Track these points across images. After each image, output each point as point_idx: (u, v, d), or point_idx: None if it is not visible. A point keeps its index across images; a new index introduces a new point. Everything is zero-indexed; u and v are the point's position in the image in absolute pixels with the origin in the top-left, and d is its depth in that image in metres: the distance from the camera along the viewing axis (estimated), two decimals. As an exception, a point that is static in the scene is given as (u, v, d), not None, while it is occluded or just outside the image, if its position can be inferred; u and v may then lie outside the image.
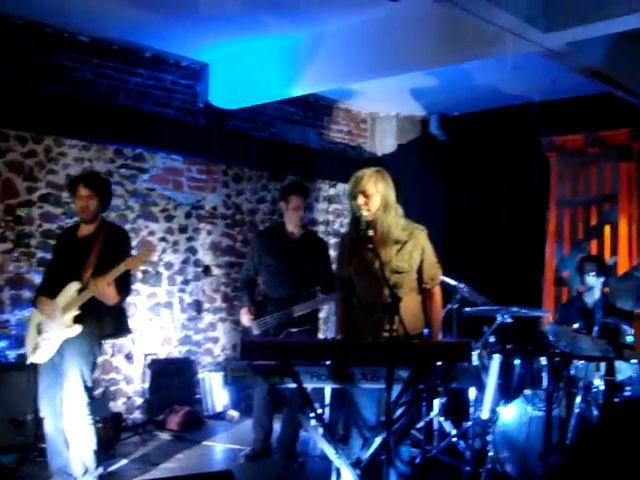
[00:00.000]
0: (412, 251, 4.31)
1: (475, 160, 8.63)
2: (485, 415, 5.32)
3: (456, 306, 5.80)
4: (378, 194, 4.21)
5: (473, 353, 5.32)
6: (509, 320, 5.41)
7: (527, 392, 5.04)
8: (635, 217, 7.34)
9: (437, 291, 4.45)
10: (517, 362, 5.30)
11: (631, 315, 5.57)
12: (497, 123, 8.50)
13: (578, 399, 4.97)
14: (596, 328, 5.20)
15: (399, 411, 3.82)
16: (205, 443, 6.56)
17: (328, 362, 3.70)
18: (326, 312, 8.15)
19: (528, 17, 5.19)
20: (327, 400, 6.13)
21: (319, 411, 5.05)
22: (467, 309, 5.81)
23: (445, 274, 4.94)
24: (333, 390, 6.08)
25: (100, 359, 6.11)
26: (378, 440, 3.86)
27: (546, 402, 4.34)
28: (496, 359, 5.36)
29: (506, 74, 7.39)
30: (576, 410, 4.96)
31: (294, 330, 5.56)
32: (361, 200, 4.18)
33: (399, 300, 3.63)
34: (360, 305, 4.39)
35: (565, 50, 5.78)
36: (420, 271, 4.36)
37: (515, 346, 5.25)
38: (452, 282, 5.68)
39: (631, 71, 6.59)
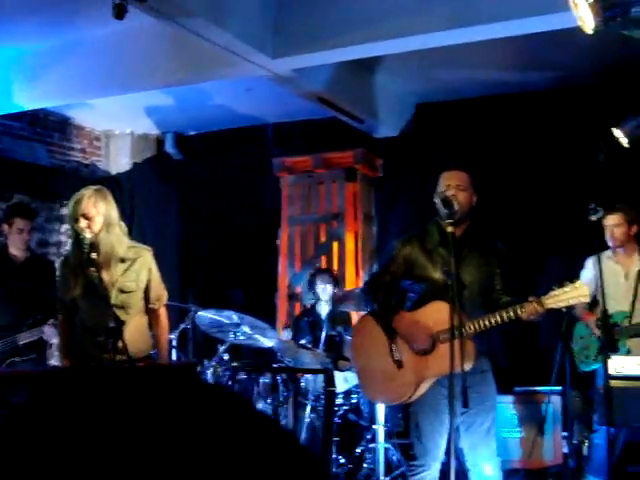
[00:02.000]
0: (139, 271, 4.26)
1: (210, 180, 8.71)
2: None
3: (190, 326, 5.80)
4: (99, 215, 4.11)
5: (207, 371, 5.36)
6: (241, 338, 5.52)
7: (258, 406, 5.16)
8: (360, 234, 7.81)
9: (163, 312, 4.43)
10: (261, 379, 5.41)
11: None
12: (232, 143, 8.66)
13: (308, 410, 5.18)
14: (322, 341, 5.46)
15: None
16: None
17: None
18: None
19: (257, 43, 5.38)
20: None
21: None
22: (202, 325, 5.81)
23: (180, 293, 4.94)
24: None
25: None
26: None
27: (273, 415, 4.48)
28: (233, 377, 5.44)
29: (240, 96, 7.60)
30: (306, 420, 5.17)
31: (18, 360, 5.27)
32: (83, 223, 4.05)
33: (122, 323, 3.58)
34: (84, 328, 4.25)
35: (292, 76, 6.05)
36: (147, 291, 4.32)
37: (241, 363, 5.37)
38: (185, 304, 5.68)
39: (353, 97, 7.04)
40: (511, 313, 3.59)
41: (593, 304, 5.26)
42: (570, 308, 3.53)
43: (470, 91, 7.54)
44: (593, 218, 4.01)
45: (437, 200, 3.83)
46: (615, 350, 5.10)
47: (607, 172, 6.45)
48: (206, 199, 8.77)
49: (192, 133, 9.07)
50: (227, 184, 8.62)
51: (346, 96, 6.94)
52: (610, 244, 5.34)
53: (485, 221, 4.52)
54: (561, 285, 3.50)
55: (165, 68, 6.03)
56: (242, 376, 5.35)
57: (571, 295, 3.48)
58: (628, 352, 5.06)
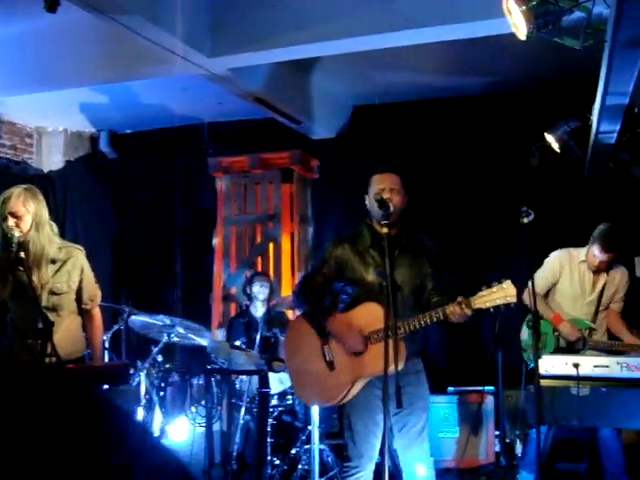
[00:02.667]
0: (71, 271, 4.17)
1: (145, 179, 8.60)
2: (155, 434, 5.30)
3: (123, 327, 5.71)
4: (29, 214, 4.01)
5: (140, 373, 5.28)
6: (175, 339, 5.46)
7: (193, 409, 5.11)
8: (296, 235, 7.81)
9: (97, 312, 4.35)
10: (195, 380, 5.36)
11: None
12: (168, 142, 8.56)
13: (242, 411, 5.15)
14: (257, 342, 5.44)
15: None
16: None
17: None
18: None
19: (193, 41, 5.33)
20: None
21: None
22: (135, 327, 5.73)
23: (114, 294, 4.86)
24: None
25: None
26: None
27: (206, 417, 4.44)
28: (167, 378, 5.37)
29: (176, 94, 7.51)
30: (241, 422, 5.14)
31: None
32: (11, 222, 3.95)
33: (51, 324, 3.50)
34: (15, 330, 4.15)
35: (228, 75, 6.01)
36: (79, 292, 4.24)
37: (174, 365, 5.31)
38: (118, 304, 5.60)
39: (290, 98, 7.03)
40: (440, 314, 3.63)
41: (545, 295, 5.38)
42: (497, 308, 3.56)
43: (407, 94, 7.61)
44: (525, 221, 4.07)
45: (371, 202, 3.86)
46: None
47: (539, 176, 6.61)
48: (141, 199, 8.66)
49: (127, 131, 8.94)
50: (162, 184, 8.53)
51: (283, 97, 6.93)
52: (590, 267, 5.38)
53: (419, 222, 4.57)
54: (489, 286, 3.55)
55: (99, 64, 5.93)
56: (175, 378, 5.30)
57: (498, 295, 3.53)
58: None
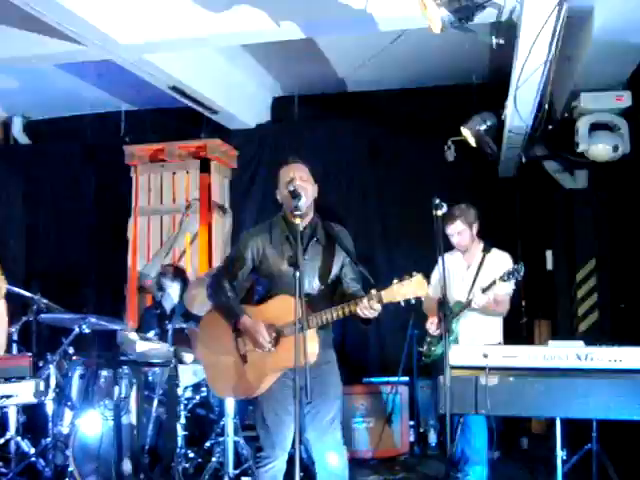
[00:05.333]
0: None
1: (59, 166, 8.37)
2: (66, 429, 5.17)
3: (33, 318, 5.55)
4: None
5: (50, 365, 5.14)
6: (87, 330, 5.32)
7: (105, 402, 5.00)
8: (213, 225, 7.73)
9: (2, 304, 4.22)
10: (105, 373, 5.24)
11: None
12: (83, 129, 8.37)
13: (155, 403, 5.08)
14: (169, 334, 5.36)
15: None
16: None
17: None
18: None
19: (107, 26, 5.18)
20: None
21: None
22: (45, 319, 5.57)
23: (25, 284, 4.71)
24: None
25: None
26: None
27: (114, 410, 4.35)
28: (78, 371, 5.25)
29: (91, 81, 7.35)
30: (154, 415, 5.07)
31: None
32: None
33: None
34: None
35: (144, 63, 5.90)
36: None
37: (84, 356, 5.19)
38: (28, 294, 5.42)
39: (208, 87, 6.94)
40: (351, 308, 3.65)
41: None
42: (407, 302, 3.59)
43: (326, 86, 7.63)
44: (438, 213, 4.12)
45: (283, 193, 3.86)
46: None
47: (454, 169, 6.71)
48: (54, 186, 8.42)
49: (41, 117, 8.68)
50: (77, 171, 8.33)
51: (201, 86, 6.82)
52: (458, 249, 5.40)
53: (334, 214, 4.59)
54: (400, 279, 3.58)
55: (10, 46, 5.70)
56: (85, 370, 5.18)
57: (409, 289, 3.56)
58: (456, 339, 5.18)
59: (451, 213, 5.10)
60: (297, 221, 3.66)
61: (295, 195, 3.70)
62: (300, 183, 3.82)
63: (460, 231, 5.29)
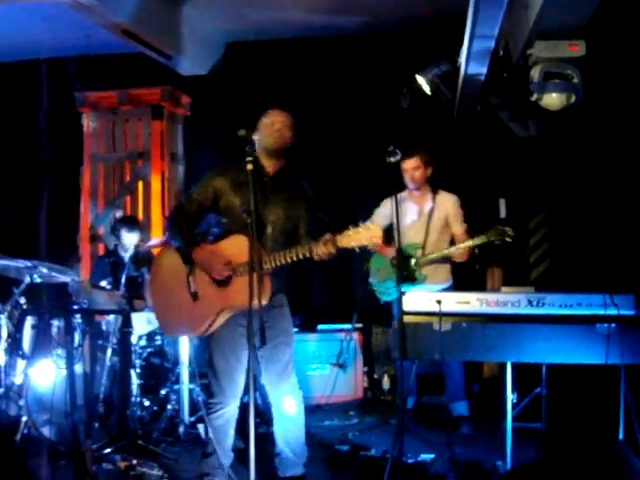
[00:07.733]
0: None
1: (8, 113, 8.15)
2: (19, 380, 5.12)
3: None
4: None
5: (1, 315, 5.07)
6: (38, 280, 5.24)
7: (58, 351, 4.96)
8: (166, 173, 7.63)
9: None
10: (57, 322, 5.17)
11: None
12: (30, 76, 8.11)
13: (109, 353, 5.05)
14: (123, 282, 5.32)
15: None
16: None
17: None
18: None
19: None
20: None
21: None
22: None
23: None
24: None
25: None
26: None
27: (67, 359, 4.31)
28: (28, 321, 5.17)
29: (37, 25, 7.11)
30: (108, 364, 5.04)
31: None
32: None
33: None
34: None
35: (93, 4, 5.73)
36: None
37: (35, 306, 5.12)
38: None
39: (160, 31, 6.79)
40: (306, 251, 3.67)
41: (387, 240, 5.53)
42: (362, 248, 3.63)
43: (281, 32, 7.52)
44: (392, 160, 4.12)
45: (263, 134, 3.93)
46: (413, 280, 5.41)
47: (409, 117, 6.71)
48: (3, 134, 8.20)
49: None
50: (26, 119, 8.11)
51: (152, 30, 6.67)
52: (410, 186, 5.68)
53: (292, 162, 4.56)
54: (355, 226, 3.60)
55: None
56: (37, 319, 5.11)
57: (364, 236, 3.59)
58: (424, 279, 5.51)
59: (411, 149, 5.51)
60: (270, 163, 3.88)
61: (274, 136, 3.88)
62: (282, 127, 3.93)
63: (416, 167, 5.62)
